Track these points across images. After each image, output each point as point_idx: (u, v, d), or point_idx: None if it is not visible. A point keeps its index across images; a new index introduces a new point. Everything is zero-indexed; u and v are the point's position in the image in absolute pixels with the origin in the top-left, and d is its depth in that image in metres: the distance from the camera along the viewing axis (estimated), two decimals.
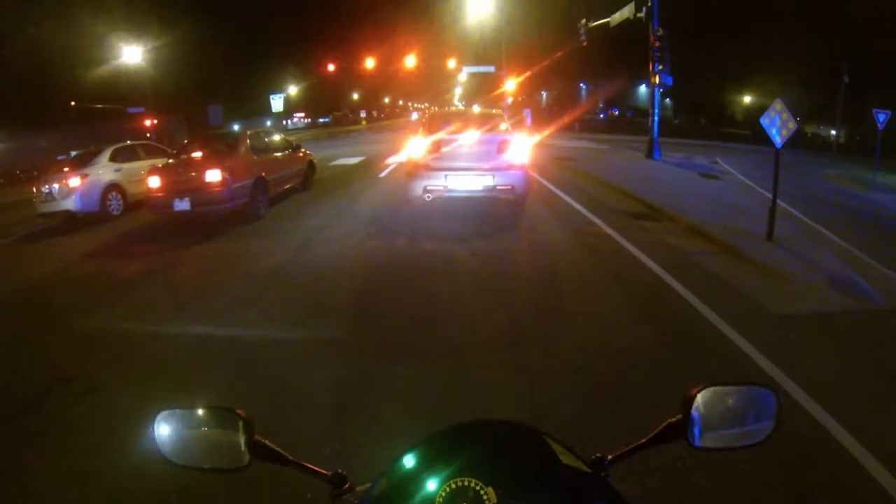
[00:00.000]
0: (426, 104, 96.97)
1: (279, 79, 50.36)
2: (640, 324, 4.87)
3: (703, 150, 20.45)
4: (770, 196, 7.56)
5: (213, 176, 8.94)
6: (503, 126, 9.24)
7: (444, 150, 8.49)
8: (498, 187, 8.30)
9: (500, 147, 8.41)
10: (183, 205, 8.96)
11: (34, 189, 10.78)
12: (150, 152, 12.35)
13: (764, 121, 7.34)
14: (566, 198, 10.67)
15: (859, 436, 3.14)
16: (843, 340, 4.59)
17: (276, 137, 11.77)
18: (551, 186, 12.06)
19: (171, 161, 10.18)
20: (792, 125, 7.18)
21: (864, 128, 23.01)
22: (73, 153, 12.29)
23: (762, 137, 7.75)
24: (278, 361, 4.36)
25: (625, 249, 7.13)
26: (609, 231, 8.05)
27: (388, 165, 16.68)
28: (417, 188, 8.51)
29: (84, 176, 10.59)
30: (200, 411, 1.05)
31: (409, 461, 0.92)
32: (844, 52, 26.34)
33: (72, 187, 10.39)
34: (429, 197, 8.51)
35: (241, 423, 1.01)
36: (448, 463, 0.89)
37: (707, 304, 5.13)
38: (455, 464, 0.88)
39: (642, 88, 50.30)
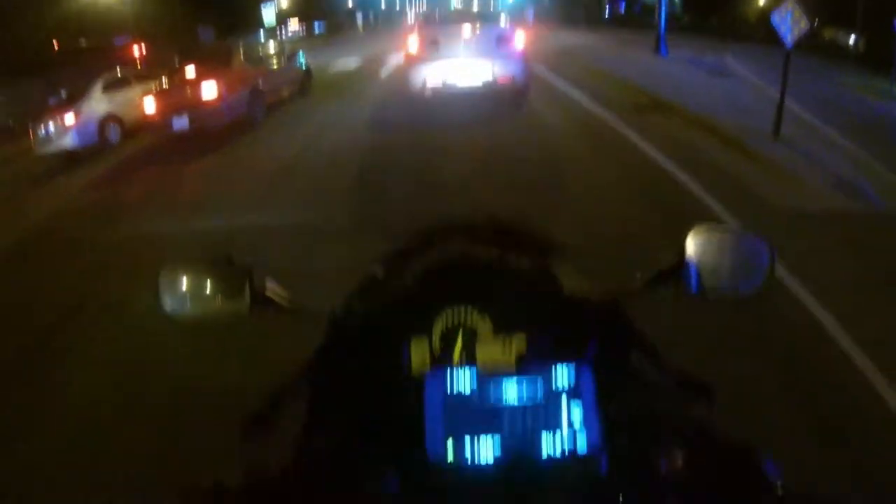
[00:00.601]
0: (424, 4, 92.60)
1: None
2: (641, 206, 4.95)
3: (712, 49, 19.63)
4: (778, 96, 7.38)
5: (209, 90, 8.83)
6: (502, 19, 9.14)
7: (444, 43, 8.30)
8: (498, 79, 8.15)
9: (499, 40, 8.27)
10: (181, 122, 8.89)
11: (31, 134, 10.50)
12: (142, 78, 11.94)
13: (775, 18, 7.04)
14: (570, 90, 10.41)
15: (845, 323, 3.28)
16: (843, 239, 4.61)
17: (270, 47, 11.51)
18: (555, 80, 11.71)
19: (165, 83, 9.97)
20: (804, 24, 6.85)
21: (885, 37, 21.83)
22: (63, 95, 11.91)
23: (774, 38, 7.44)
24: (287, 249, 4.51)
25: (628, 140, 7.08)
26: (613, 123, 7.95)
27: (387, 66, 16.19)
28: (417, 83, 8.39)
29: (78, 111, 10.32)
30: (201, 263, 1.04)
31: (402, 286, 0.90)
32: None
33: (67, 124, 10.13)
34: (429, 93, 8.39)
35: (241, 271, 1.00)
36: (442, 290, 0.87)
37: (709, 194, 5.17)
38: (450, 291, 0.86)
39: None
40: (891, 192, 5.84)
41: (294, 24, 62.04)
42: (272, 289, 1.03)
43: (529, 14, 39.87)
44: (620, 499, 0.77)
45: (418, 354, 0.83)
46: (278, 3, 47.44)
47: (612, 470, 0.76)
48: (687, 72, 13.69)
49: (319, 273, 3.94)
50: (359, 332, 0.90)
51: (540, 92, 10.07)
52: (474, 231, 0.99)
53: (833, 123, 8.79)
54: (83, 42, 26.42)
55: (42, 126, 10.22)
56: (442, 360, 0.82)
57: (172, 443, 2.69)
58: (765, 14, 36.00)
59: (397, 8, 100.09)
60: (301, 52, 12.52)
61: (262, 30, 45.89)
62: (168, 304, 1.03)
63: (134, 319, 3.70)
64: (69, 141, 10.11)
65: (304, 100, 11.83)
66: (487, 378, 0.77)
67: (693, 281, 0.95)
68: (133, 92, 10.98)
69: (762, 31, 29.93)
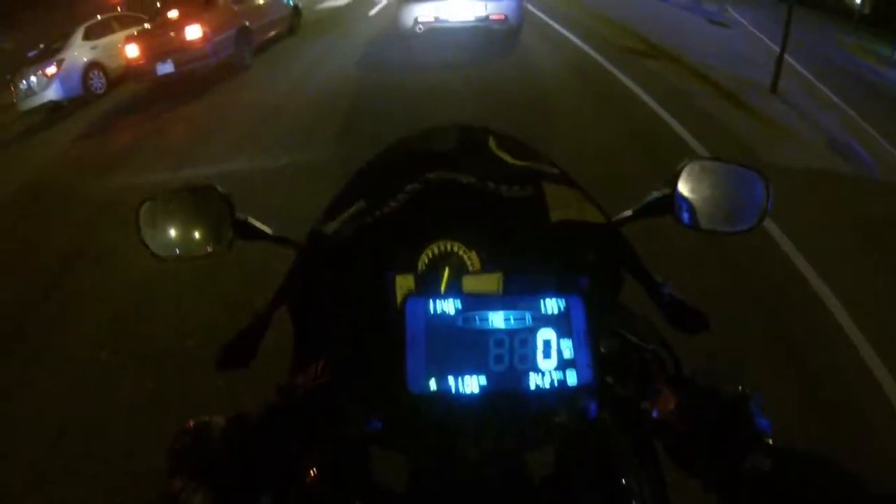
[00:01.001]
0: None
1: None
2: (632, 149, 4.96)
3: None
4: (778, 49, 7.24)
5: (194, 32, 8.52)
6: None
7: None
8: (491, 16, 7.97)
9: None
10: (166, 67, 8.61)
11: (11, 89, 10.14)
12: (125, 23, 11.48)
13: None
14: (565, 32, 10.14)
15: (826, 277, 3.41)
16: (831, 200, 4.61)
17: None
18: (549, 20, 11.41)
19: (147, 26, 9.60)
20: None
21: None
22: (42, 46, 11.47)
23: None
24: (278, 191, 4.55)
25: (622, 84, 6.99)
26: (608, 66, 7.81)
27: (378, 2, 15.75)
28: (408, 19, 8.17)
29: (60, 61, 9.93)
30: (181, 194, 1.00)
31: (383, 217, 0.86)
32: None
33: (49, 75, 9.77)
34: (420, 29, 8.17)
35: (222, 201, 0.95)
36: (426, 223, 0.83)
37: (699, 142, 5.16)
38: (434, 225, 0.82)
39: None
40: (884, 160, 5.82)
41: None
42: (253, 219, 0.98)
43: None
44: (608, 439, 0.75)
45: (403, 288, 0.80)
46: None
47: (601, 408, 0.74)
48: (686, 18, 13.39)
49: (309, 214, 3.99)
50: (340, 258, 0.85)
51: (536, 36, 9.84)
52: (461, 156, 0.92)
53: (831, 83, 8.69)
54: None
55: (23, 79, 9.86)
56: (427, 293, 0.78)
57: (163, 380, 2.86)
58: None
59: None
60: None
61: None
62: (149, 238, 0.99)
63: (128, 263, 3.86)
64: (52, 93, 9.79)
65: (293, 39, 11.51)
66: (473, 304, 0.74)
67: (684, 213, 0.91)
68: (116, 38, 10.60)
69: None
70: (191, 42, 8.51)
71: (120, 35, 10.64)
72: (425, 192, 0.86)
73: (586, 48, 8.83)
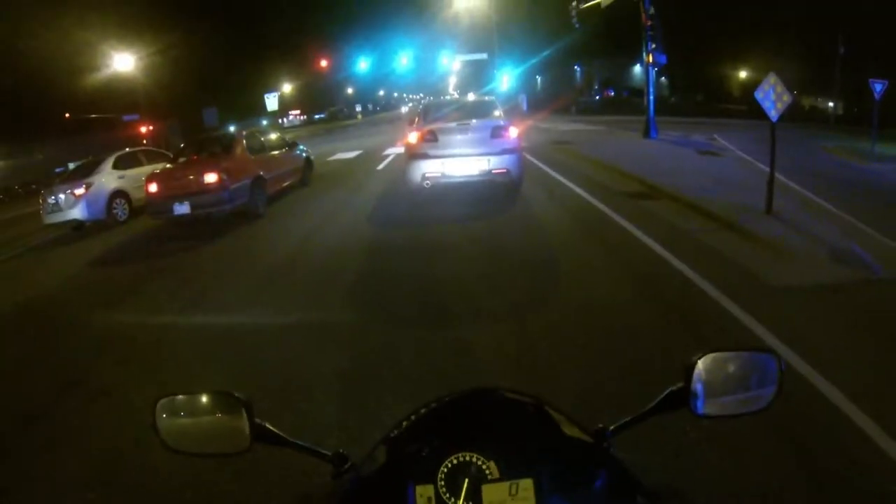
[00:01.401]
0: (420, 95, 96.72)
1: (273, 78, 50.45)
2: (637, 296, 4.92)
3: (700, 128, 20.30)
4: (769, 170, 7.54)
5: (211, 177, 8.97)
6: (497, 112, 9.43)
7: (441, 137, 8.60)
8: (494, 171, 8.44)
9: (495, 132, 8.55)
10: (182, 208, 8.99)
11: (39, 201, 10.93)
12: (152, 158, 12.38)
13: (758, 94, 7.30)
14: (564, 180, 10.65)
15: (857, 399, 3.17)
16: (844, 310, 4.57)
17: (273, 136, 11.82)
18: (549, 170, 12.04)
19: (167, 166, 10.20)
20: (787, 98, 7.14)
21: (862, 99, 22.61)
22: (71, 165, 12.39)
23: (759, 112, 7.70)
24: (286, 350, 4.45)
25: (623, 229, 7.15)
26: (608, 211, 8.06)
27: (385, 157, 16.72)
28: (416, 175, 8.62)
29: (89, 184, 10.70)
30: (200, 396, 1.04)
31: (408, 433, 0.92)
32: (840, 22, 26.04)
33: (78, 196, 10.52)
34: (427, 184, 8.59)
35: (241, 407, 1.00)
36: (449, 437, 0.88)
37: (704, 279, 5.16)
38: (456, 438, 0.87)
39: (637, 68, 49.45)
40: (887, 257, 5.85)
41: (295, 113, 64.81)
42: (272, 426, 1.03)
43: (523, 102, 41.43)
44: None
45: (423, 498, 0.84)
46: (282, 95, 49.58)
47: None
48: (677, 153, 14.09)
49: (319, 375, 3.94)
50: (368, 483, 0.91)
51: (537, 186, 10.33)
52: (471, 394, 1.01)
53: (822, 191, 8.95)
54: (93, 115, 27.45)
55: (52, 195, 10.57)
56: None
57: None
58: (747, 86, 37.28)
59: (395, 94, 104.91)
60: (301, 145, 12.89)
61: (265, 116, 47.76)
62: (166, 435, 1.02)
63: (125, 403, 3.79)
64: (78, 213, 10.47)
65: (305, 190, 12.10)
66: None
67: (700, 403, 0.96)
68: (143, 171, 11.32)
69: (746, 105, 31.04)
70: (207, 186, 8.95)
71: (146, 168, 11.42)
72: (443, 407, 0.94)
73: (585, 195, 9.20)
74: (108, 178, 11.10)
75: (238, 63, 44.13)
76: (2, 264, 9.58)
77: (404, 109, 70.85)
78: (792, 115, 19.77)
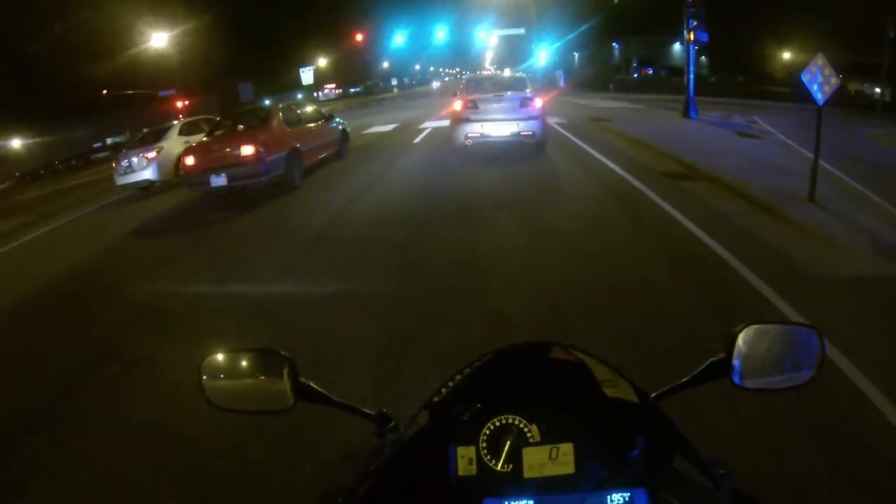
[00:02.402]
0: (457, 69, 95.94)
1: (308, 52, 50.42)
2: (675, 279, 4.83)
3: (741, 109, 19.67)
4: (811, 156, 7.27)
5: (248, 150, 9.06)
6: (526, 87, 10.99)
7: (480, 105, 10.36)
8: (522, 133, 10.21)
9: (523, 102, 10.30)
10: (219, 180, 9.13)
11: (112, 165, 12.39)
12: (210, 126, 12.76)
13: (805, 77, 7.01)
14: (602, 158, 10.45)
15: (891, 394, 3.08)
16: (884, 305, 4.38)
17: (309, 109, 11.85)
18: (585, 146, 11.84)
19: (204, 139, 10.37)
20: (834, 81, 6.84)
21: None
22: (109, 140, 13.57)
23: (803, 95, 7.41)
24: (323, 317, 4.54)
25: (659, 207, 7.03)
26: (645, 190, 7.92)
27: (422, 130, 16.62)
28: (460, 135, 10.45)
29: (160, 149, 11.90)
30: (245, 354, 1.05)
31: (450, 396, 0.91)
32: (890, 5, 24.79)
33: (150, 159, 11.77)
34: (469, 142, 10.37)
35: (285, 365, 1.00)
36: (491, 399, 0.88)
37: (744, 263, 5.03)
38: (498, 401, 0.87)
39: (676, 46, 48.03)
40: None
41: (331, 87, 64.89)
42: (316, 384, 1.03)
43: (560, 78, 40.82)
44: None
45: (464, 459, 0.85)
46: (317, 69, 49.58)
47: None
48: (716, 133, 13.70)
49: (354, 344, 4.00)
50: (410, 443, 0.91)
51: (573, 162, 10.27)
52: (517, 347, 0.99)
53: (867, 181, 8.60)
54: (130, 92, 28.12)
55: (124, 159, 11.97)
56: (488, 466, 0.84)
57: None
58: (790, 68, 35.73)
59: (430, 71, 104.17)
60: (337, 118, 12.94)
61: (300, 90, 47.91)
62: (211, 393, 1.03)
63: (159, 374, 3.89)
64: (149, 174, 11.81)
65: (341, 162, 12.17)
66: (545, 501, 0.79)
67: (740, 376, 0.96)
68: (202, 137, 11.72)
69: (789, 88, 29.94)
70: (244, 159, 9.03)
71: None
72: (485, 368, 0.92)
73: (624, 174, 9.02)
74: (174, 144, 12.18)
75: (272, 39, 44.27)
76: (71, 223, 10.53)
77: (436, 85, 70.24)
78: (837, 99, 19.03)
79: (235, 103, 32.15)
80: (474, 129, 10.22)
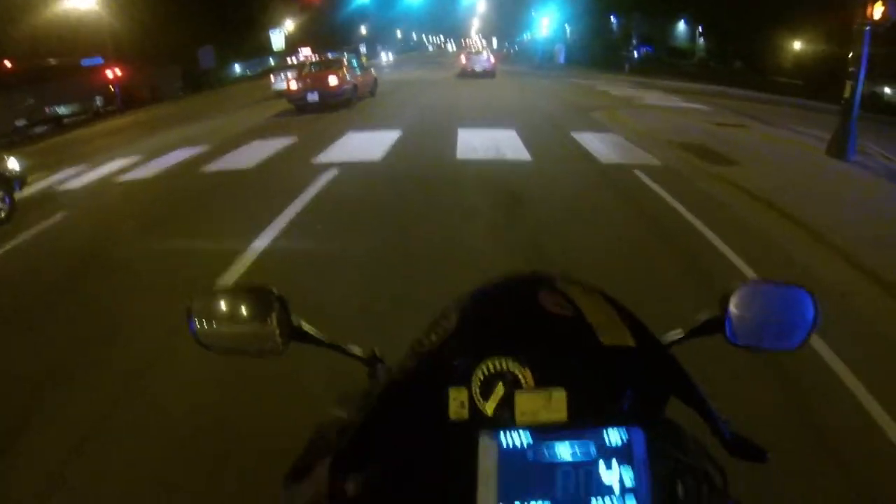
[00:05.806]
0: (441, 37, 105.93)
1: (274, 13, 51.81)
2: None
3: (790, 114, 18.29)
4: None
5: (332, 79, 19.62)
6: (488, 53, 36.85)
7: (469, 59, 36.02)
8: (486, 69, 34.55)
9: (488, 59, 35.53)
10: (314, 96, 19.52)
11: (271, 78, 27.86)
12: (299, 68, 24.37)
13: None
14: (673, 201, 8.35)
15: None
16: None
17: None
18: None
19: (303, 71, 20.91)
20: None
21: None
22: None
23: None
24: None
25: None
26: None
27: (443, 76, 33.00)
28: (458, 67, 36.84)
29: (289, 77, 22.52)
30: (235, 292, 1.24)
31: (440, 339, 1.04)
32: None
33: (287, 79, 22.35)
34: (466, 70, 34.91)
35: (276, 303, 1.18)
36: (483, 339, 1.02)
37: None
38: (491, 341, 1.01)
39: (680, 25, 53.92)
40: None
41: (307, 51, 71.34)
42: (308, 324, 1.25)
43: (561, 53, 48.72)
44: None
45: (456, 402, 0.98)
46: (288, 33, 53.35)
47: None
48: None
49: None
50: (402, 384, 1.04)
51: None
52: (512, 282, 1.16)
53: None
54: (51, 61, 26.45)
55: (276, 77, 26.53)
56: (479, 409, 0.99)
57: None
58: (800, 61, 36.73)
59: (414, 36, 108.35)
60: (372, 69, 24.65)
61: (271, 55, 51.53)
62: (200, 332, 1.21)
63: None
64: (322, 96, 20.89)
65: (374, 98, 22.99)
66: (542, 436, 0.95)
67: (735, 333, 1.16)
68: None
69: (802, 80, 29.66)
70: (330, 84, 19.54)
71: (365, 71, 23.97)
72: (475, 307, 1.10)
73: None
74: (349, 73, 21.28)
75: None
76: None
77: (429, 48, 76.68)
78: None
79: (195, 70, 37.30)
80: (466, 66, 34.92)
